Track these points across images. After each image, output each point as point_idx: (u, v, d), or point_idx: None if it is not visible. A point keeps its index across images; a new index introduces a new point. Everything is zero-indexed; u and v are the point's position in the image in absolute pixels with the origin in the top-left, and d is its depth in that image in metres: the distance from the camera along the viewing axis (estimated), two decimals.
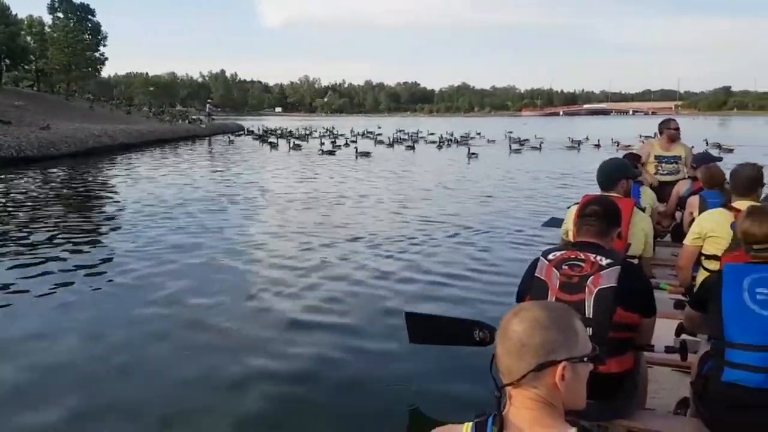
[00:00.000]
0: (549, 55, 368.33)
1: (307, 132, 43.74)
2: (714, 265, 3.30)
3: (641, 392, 2.66)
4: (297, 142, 33.47)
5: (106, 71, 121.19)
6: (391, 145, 33.31)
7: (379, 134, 39.37)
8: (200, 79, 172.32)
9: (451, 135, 37.24)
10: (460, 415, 1.31)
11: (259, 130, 46.10)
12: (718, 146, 24.16)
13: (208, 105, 57.05)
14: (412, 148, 30.64)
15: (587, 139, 32.84)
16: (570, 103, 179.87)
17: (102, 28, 56.38)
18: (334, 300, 5.89)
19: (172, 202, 12.10)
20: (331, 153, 25.77)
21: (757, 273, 2.27)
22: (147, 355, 4.58)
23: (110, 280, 6.56)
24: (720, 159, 5.42)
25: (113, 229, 9.65)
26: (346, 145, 28.68)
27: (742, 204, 3.25)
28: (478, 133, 40.21)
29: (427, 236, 8.78)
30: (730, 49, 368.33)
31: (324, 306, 5.73)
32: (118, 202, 12.57)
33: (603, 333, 2.35)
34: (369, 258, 7.53)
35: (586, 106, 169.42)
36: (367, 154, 24.78)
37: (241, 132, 48.35)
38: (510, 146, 29.48)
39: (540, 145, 30.45)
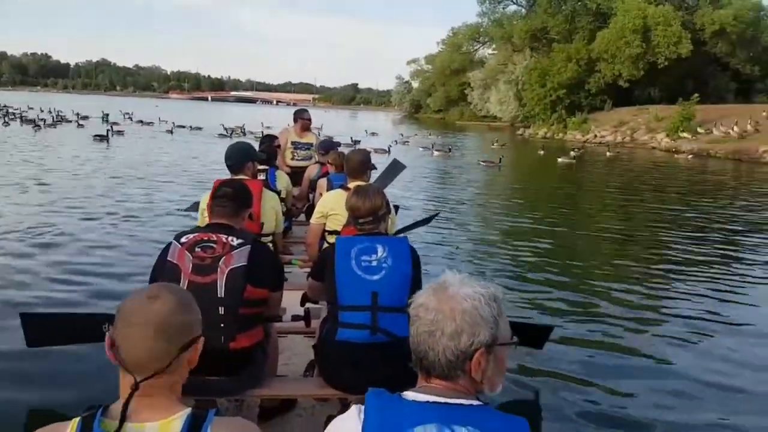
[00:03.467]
0: (194, 38, 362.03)
1: None
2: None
3: (272, 362, 2.83)
4: None
5: None
6: (7, 123, 27.93)
7: None
8: None
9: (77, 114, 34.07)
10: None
11: None
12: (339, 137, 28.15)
13: None
14: (39, 127, 26.36)
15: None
16: (218, 89, 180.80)
17: None
18: None
19: None
20: None
21: (361, 243, 2.62)
22: None
23: None
24: (339, 144, 6.24)
25: None
26: None
27: (354, 184, 3.74)
28: (123, 114, 37.42)
29: (47, 225, 7.61)
30: (360, 51, 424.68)
31: None
32: None
33: (234, 311, 2.42)
34: None
35: (233, 93, 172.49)
36: None
37: None
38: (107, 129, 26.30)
39: (172, 130, 29.40)
